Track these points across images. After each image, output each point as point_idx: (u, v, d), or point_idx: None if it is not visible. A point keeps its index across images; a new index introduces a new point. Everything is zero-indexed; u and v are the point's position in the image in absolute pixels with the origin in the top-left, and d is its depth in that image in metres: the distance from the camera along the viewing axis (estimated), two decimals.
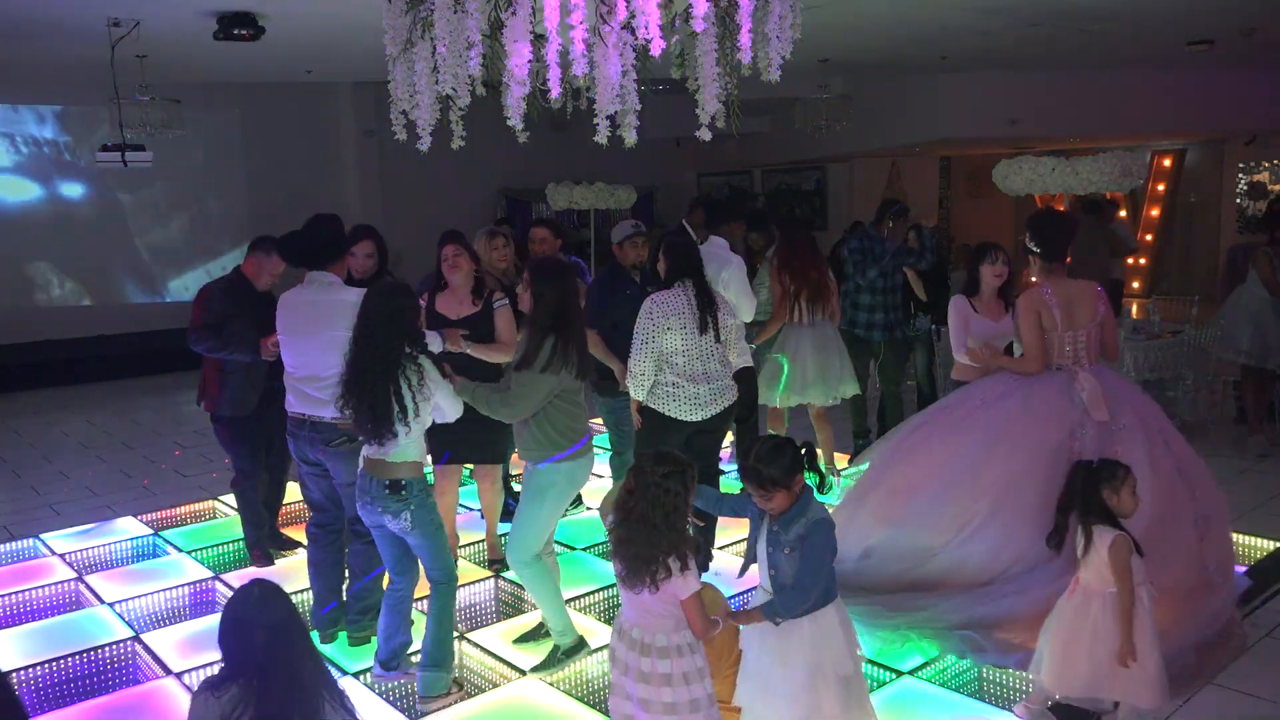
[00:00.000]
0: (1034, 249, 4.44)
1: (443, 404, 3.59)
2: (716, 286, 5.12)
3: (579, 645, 3.90)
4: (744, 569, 3.11)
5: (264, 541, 5.21)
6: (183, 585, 4.84)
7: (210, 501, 6.20)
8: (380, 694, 3.79)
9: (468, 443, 4.62)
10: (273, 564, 5.14)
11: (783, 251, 6.15)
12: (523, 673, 3.82)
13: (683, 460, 2.73)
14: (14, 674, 3.88)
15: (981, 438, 4.25)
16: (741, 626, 3.09)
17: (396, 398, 3.42)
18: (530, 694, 3.71)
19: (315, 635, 4.19)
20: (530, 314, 3.69)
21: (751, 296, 5.46)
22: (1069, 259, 4.54)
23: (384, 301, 3.51)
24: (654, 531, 2.63)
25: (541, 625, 4.07)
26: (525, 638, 4.12)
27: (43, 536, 5.65)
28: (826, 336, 6.12)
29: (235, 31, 7.31)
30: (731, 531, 5.13)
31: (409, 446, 3.54)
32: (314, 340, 4.02)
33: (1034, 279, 4.48)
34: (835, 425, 6.42)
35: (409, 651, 3.87)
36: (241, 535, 5.26)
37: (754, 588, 3.22)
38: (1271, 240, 6.71)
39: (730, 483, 6.07)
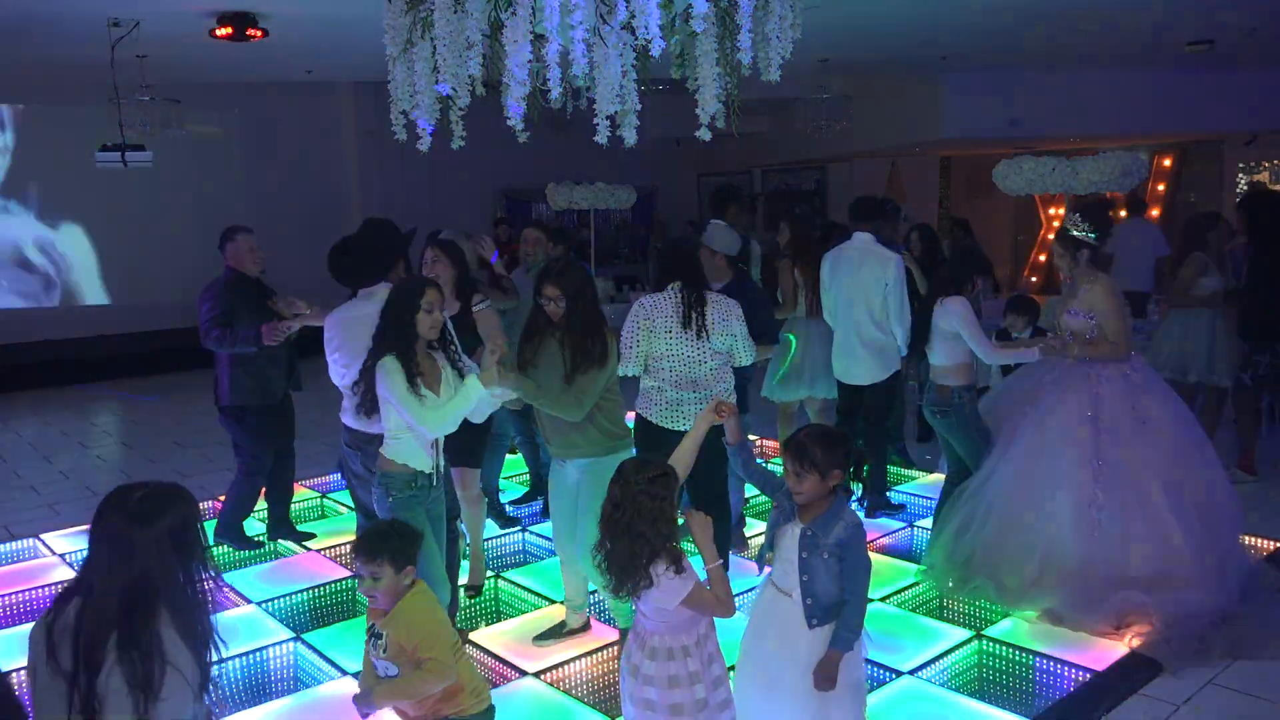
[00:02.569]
0: (1091, 238, 4.37)
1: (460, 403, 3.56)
2: (876, 293, 5.27)
3: (585, 628, 4.14)
4: (761, 559, 3.06)
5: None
6: None
7: (210, 501, 6.18)
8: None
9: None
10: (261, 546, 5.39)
11: (796, 244, 6.14)
12: (523, 673, 3.82)
13: (665, 465, 2.74)
14: (14, 674, 3.88)
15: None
16: (746, 627, 3.07)
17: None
18: (531, 694, 3.70)
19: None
20: (567, 321, 3.76)
21: (906, 304, 5.35)
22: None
23: (393, 293, 3.59)
24: (639, 540, 2.60)
25: (563, 624, 4.16)
26: (547, 635, 4.13)
27: (43, 536, 5.65)
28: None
29: (220, 33, 7.32)
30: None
31: (396, 441, 3.56)
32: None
33: (1081, 270, 4.42)
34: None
35: None
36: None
37: (752, 588, 3.18)
38: (1198, 245, 6.42)
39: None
